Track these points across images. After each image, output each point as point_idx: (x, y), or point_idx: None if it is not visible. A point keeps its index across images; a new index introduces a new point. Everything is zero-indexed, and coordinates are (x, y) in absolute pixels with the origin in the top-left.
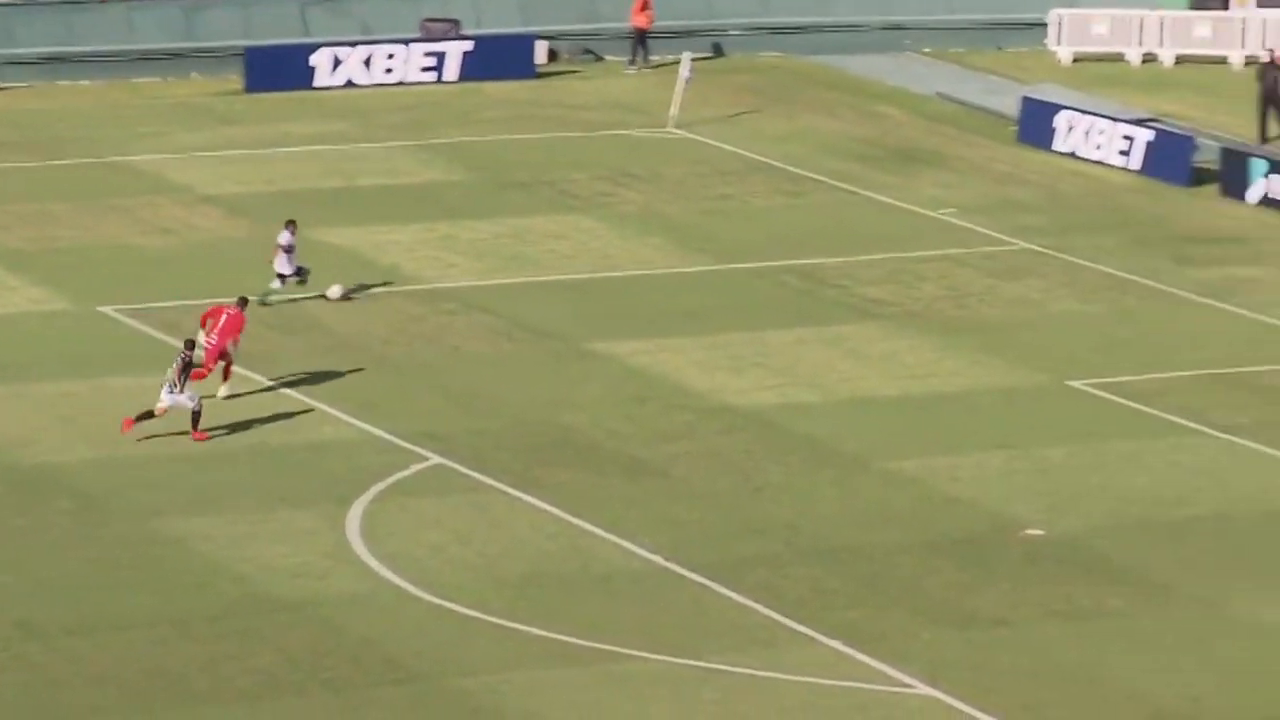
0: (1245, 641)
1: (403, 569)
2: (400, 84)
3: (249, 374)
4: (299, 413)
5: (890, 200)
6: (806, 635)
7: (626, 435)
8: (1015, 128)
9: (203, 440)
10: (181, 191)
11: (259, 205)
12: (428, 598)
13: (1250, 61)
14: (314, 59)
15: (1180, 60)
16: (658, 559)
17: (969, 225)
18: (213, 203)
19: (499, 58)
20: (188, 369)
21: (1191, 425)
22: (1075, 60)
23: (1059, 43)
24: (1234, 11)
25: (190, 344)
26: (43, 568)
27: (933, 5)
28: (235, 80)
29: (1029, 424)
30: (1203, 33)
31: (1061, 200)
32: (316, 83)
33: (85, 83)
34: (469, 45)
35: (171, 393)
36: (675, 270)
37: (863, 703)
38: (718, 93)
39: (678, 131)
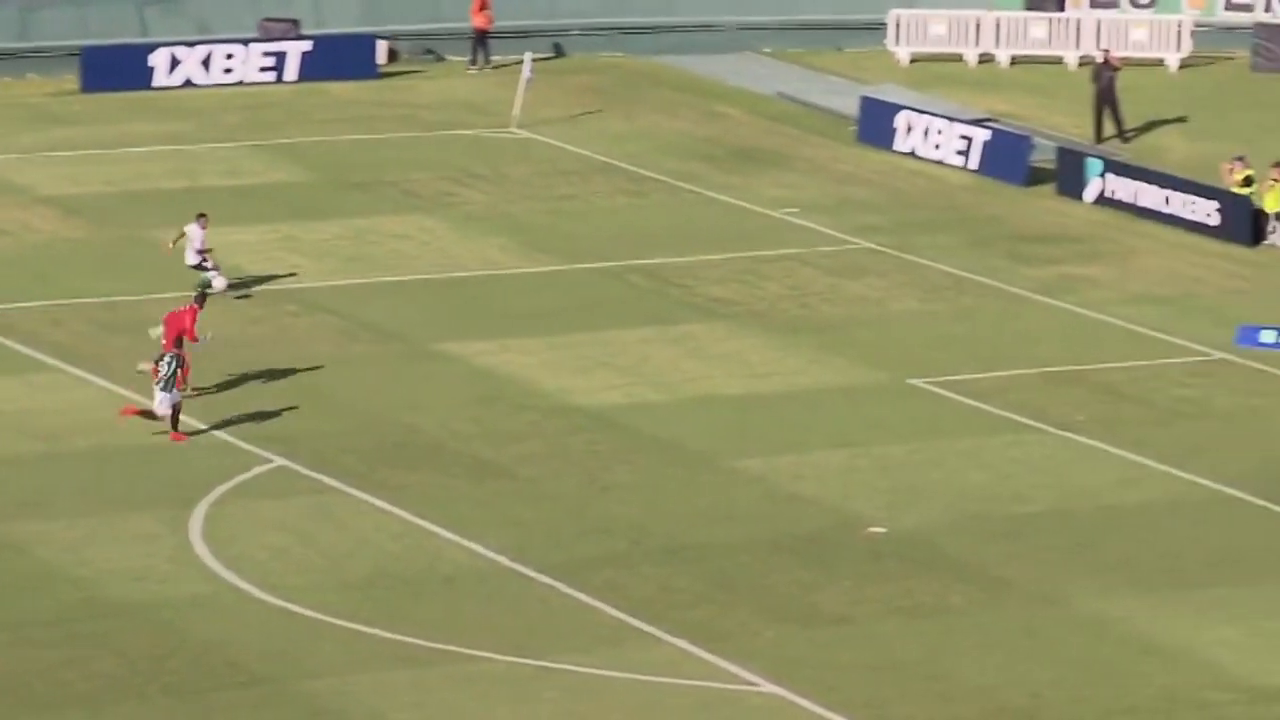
0: (1085, 636)
1: (246, 571)
2: (240, 84)
3: (87, 376)
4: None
5: (732, 200)
6: (652, 634)
7: (472, 436)
8: (855, 128)
9: (181, 441)
10: (19, 193)
11: (98, 206)
12: (271, 600)
13: (1085, 62)
14: (152, 59)
15: (1016, 61)
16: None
17: (810, 225)
18: (50, 204)
19: (339, 58)
20: (178, 369)
21: (1029, 422)
22: (913, 61)
23: (898, 43)
24: (1069, 12)
25: (179, 341)
26: None
27: (773, 5)
28: (72, 80)
29: (870, 422)
30: (1038, 33)
31: (901, 199)
32: (155, 83)
33: None
34: (308, 45)
35: (167, 392)
36: (520, 270)
37: (707, 701)
38: (559, 93)
39: (520, 131)
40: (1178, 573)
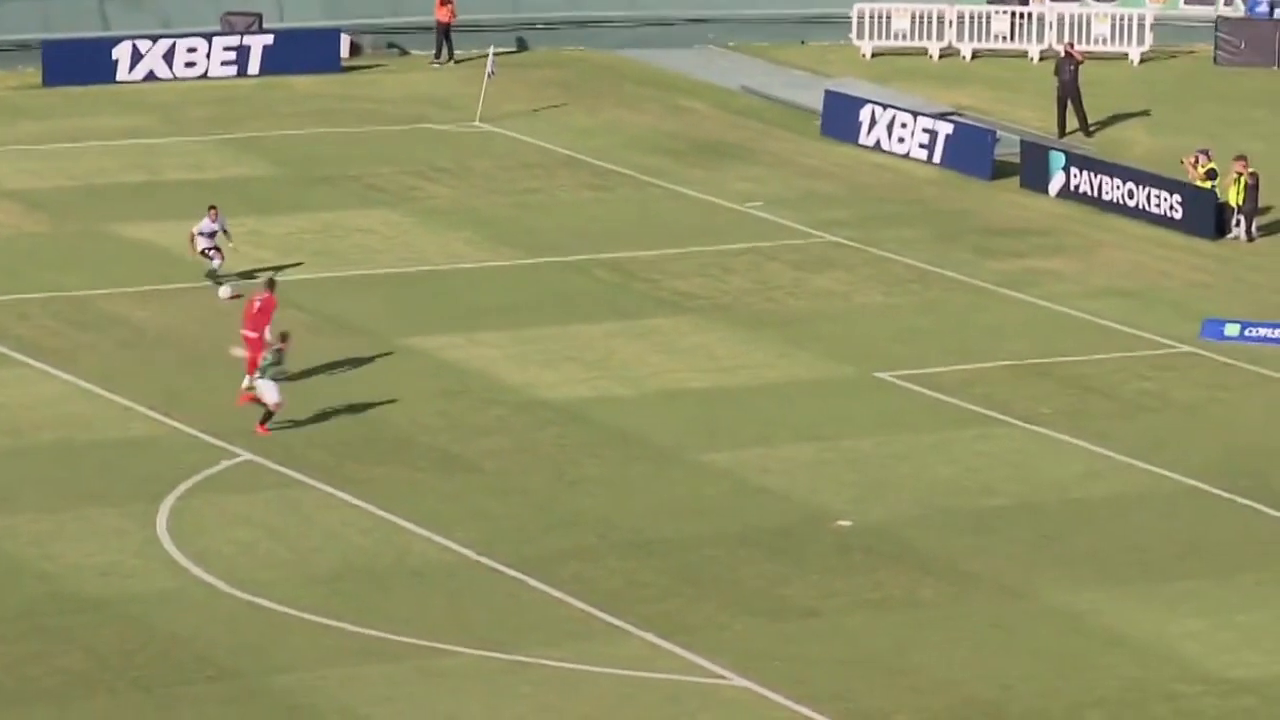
0: (1052, 629)
1: (213, 566)
2: (203, 78)
3: (52, 370)
4: (105, 409)
5: (697, 194)
6: (620, 628)
7: (439, 430)
8: (819, 122)
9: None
10: None
11: (60, 199)
12: (239, 594)
13: (1047, 56)
14: (115, 52)
15: (979, 54)
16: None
17: (775, 218)
18: (12, 197)
19: (302, 52)
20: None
21: (996, 415)
22: (876, 55)
23: (861, 37)
24: (1032, 6)
25: (284, 336)
26: None
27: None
28: (33, 74)
29: (837, 415)
30: (1001, 28)
31: (866, 193)
32: (117, 76)
33: None
34: (271, 39)
35: (273, 381)
36: (485, 264)
37: (675, 694)
38: (523, 87)
39: (484, 125)
40: (1145, 565)
